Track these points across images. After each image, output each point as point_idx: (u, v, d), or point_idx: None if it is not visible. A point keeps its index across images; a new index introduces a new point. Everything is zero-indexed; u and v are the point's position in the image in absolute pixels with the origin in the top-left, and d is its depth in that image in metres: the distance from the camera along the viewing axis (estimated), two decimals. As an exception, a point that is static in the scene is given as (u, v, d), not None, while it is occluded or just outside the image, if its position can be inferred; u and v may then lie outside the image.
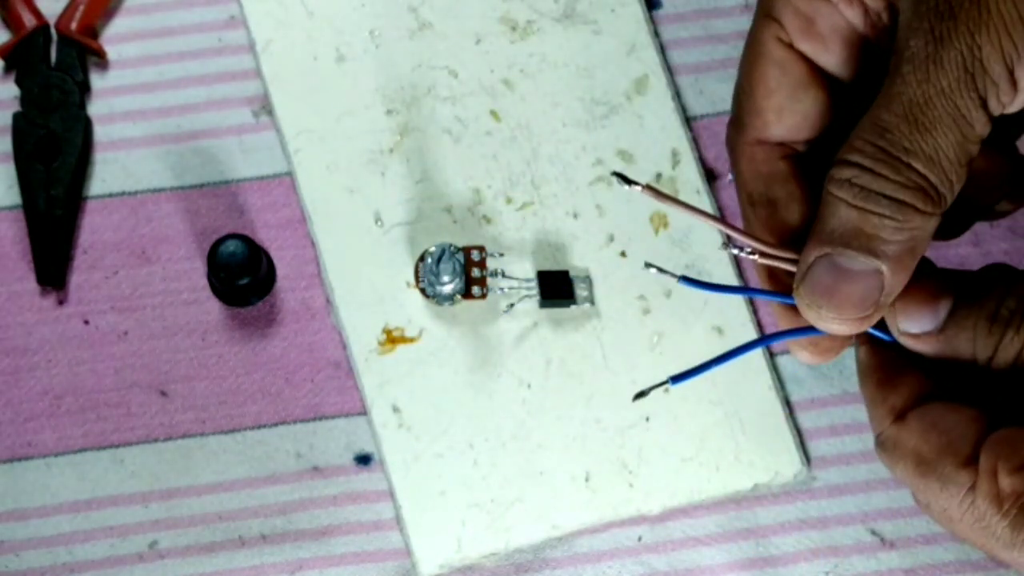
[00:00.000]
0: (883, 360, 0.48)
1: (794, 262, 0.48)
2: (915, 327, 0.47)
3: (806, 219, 0.49)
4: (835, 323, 0.46)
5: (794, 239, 0.49)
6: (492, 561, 0.64)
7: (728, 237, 0.49)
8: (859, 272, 0.45)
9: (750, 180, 0.50)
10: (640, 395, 0.49)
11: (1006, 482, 0.43)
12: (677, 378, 0.48)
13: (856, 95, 0.49)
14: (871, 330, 0.47)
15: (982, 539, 0.45)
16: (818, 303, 0.46)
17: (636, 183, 0.47)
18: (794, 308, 0.48)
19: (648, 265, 0.49)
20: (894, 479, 0.47)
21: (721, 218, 0.47)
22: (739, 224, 0.51)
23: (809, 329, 0.48)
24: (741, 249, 0.48)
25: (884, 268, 0.45)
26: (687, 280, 0.48)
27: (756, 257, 0.48)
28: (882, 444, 0.47)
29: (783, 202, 0.50)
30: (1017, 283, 0.46)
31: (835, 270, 0.45)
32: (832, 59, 0.49)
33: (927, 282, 0.47)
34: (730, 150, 0.51)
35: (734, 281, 0.66)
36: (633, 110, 0.68)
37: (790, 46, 0.49)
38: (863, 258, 0.45)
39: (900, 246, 0.44)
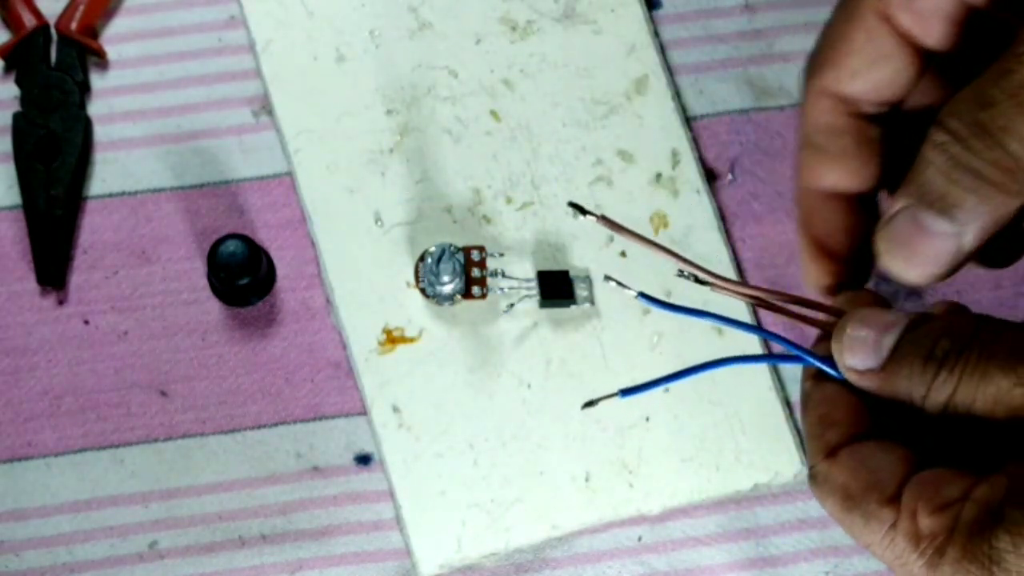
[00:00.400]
0: (826, 395, 0.48)
1: (750, 297, 0.48)
2: (859, 363, 0.47)
3: (850, 178, 0.50)
4: (906, 272, 0.46)
5: (836, 193, 0.50)
6: (492, 561, 0.64)
7: (682, 266, 0.49)
8: (937, 232, 0.45)
9: (811, 124, 0.51)
10: (589, 404, 0.49)
11: (925, 522, 0.43)
12: (627, 391, 0.48)
13: (953, 65, 0.49)
14: (819, 363, 0.48)
15: (902, 575, 0.45)
16: (892, 251, 0.46)
17: (591, 214, 0.48)
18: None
19: (608, 278, 0.49)
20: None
21: (674, 252, 0.48)
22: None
23: (785, 358, 0.48)
24: (696, 279, 0.48)
25: (961, 235, 0.45)
26: (644, 297, 0.48)
27: (709, 288, 0.48)
28: (813, 478, 0.47)
29: (833, 156, 0.50)
30: (956, 323, 0.46)
31: (915, 224, 0.45)
32: (930, 35, 0.49)
33: (873, 318, 0.47)
34: (801, 86, 0.52)
35: (734, 276, 0.66)
36: (633, 110, 0.68)
37: (886, 16, 0.49)
38: (942, 221, 0.45)
39: (980, 219, 0.45)
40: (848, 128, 0.50)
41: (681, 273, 0.48)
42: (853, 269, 0.51)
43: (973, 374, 0.44)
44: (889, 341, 0.46)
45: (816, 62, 0.51)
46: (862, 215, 0.50)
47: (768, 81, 0.69)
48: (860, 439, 0.47)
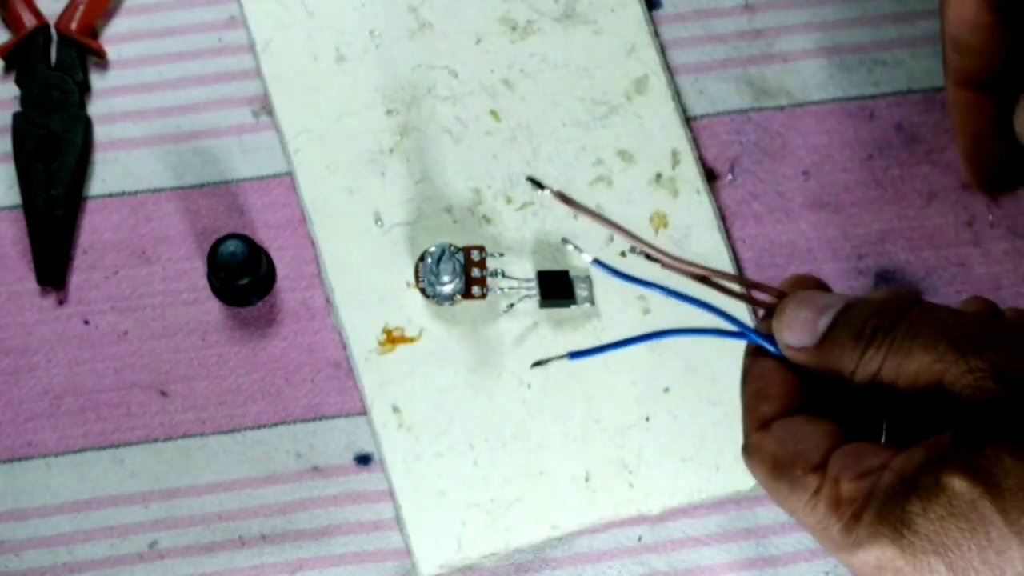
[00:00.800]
0: (764, 371, 0.50)
1: (697, 275, 0.50)
2: (796, 341, 0.49)
3: (998, 69, 0.52)
4: None
5: (988, 85, 0.52)
6: (492, 561, 0.64)
7: (633, 243, 0.51)
8: None
9: (956, 26, 0.53)
10: (538, 363, 0.51)
11: (846, 488, 0.45)
12: (576, 354, 0.50)
13: None
14: (759, 340, 0.50)
15: (822, 541, 0.47)
16: None
17: (547, 188, 0.50)
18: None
19: (565, 241, 0.51)
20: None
21: (625, 229, 0.50)
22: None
23: (728, 333, 0.50)
24: (648, 256, 0.50)
25: None
26: (598, 263, 0.50)
27: (660, 266, 0.50)
28: (746, 448, 0.49)
29: (984, 52, 0.53)
30: (888, 304, 0.48)
31: None
32: None
33: (813, 300, 0.49)
34: None
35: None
36: (633, 110, 0.68)
37: None
38: None
39: None
40: (992, 22, 0.52)
41: (633, 250, 0.50)
42: (1010, 165, 0.53)
43: (898, 351, 0.46)
44: (825, 321, 0.48)
45: None
46: (1010, 108, 0.53)
47: (768, 81, 0.69)
48: (793, 413, 0.49)
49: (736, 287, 0.50)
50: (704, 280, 0.51)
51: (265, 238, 0.67)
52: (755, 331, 0.50)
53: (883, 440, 0.49)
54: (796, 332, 0.48)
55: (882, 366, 0.46)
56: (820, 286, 0.51)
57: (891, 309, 0.47)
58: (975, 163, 0.54)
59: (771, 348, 0.49)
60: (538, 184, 0.50)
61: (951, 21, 0.53)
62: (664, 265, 0.50)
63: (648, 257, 0.50)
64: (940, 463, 0.44)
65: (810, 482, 0.46)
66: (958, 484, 0.43)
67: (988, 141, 0.53)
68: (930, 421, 0.46)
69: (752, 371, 0.50)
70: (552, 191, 0.49)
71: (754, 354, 0.50)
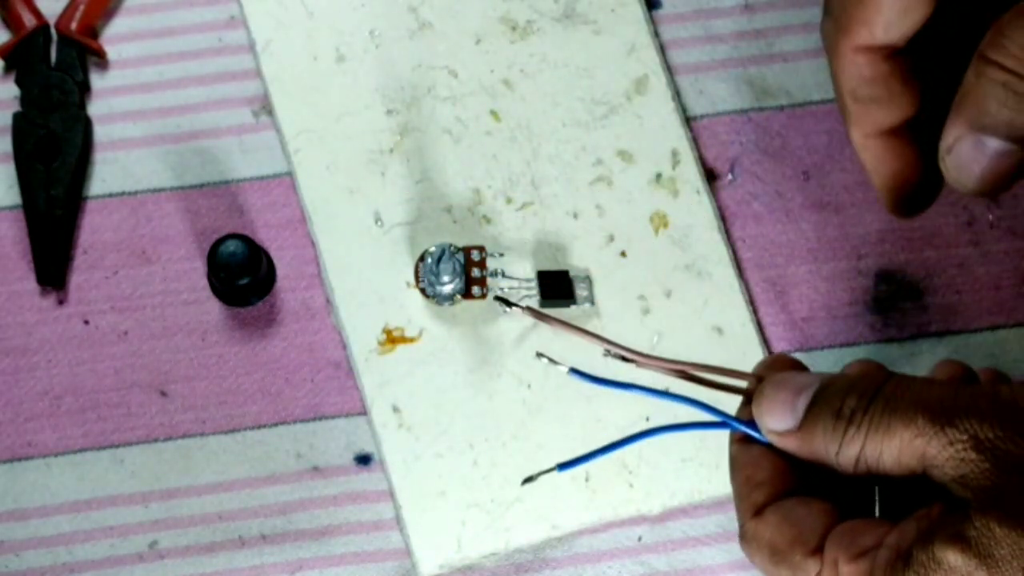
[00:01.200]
0: (751, 458, 0.50)
1: (673, 371, 0.51)
2: (778, 424, 0.49)
3: (910, 115, 0.52)
4: (977, 189, 0.50)
5: (896, 133, 0.53)
6: (492, 561, 0.64)
7: (607, 347, 0.52)
8: (1003, 153, 0.48)
9: (852, 80, 0.53)
10: (528, 480, 0.52)
11: (844, 570, 0.46)
12: (564, 465, 0.51)
13: None
14: (743, 428, 0.50)
15: None
16: (962, 174, 0.49)
17: (515, 304, 0.53)
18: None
19: (539, 355, 0.53)
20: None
21: (601, 336, 0.52)
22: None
23: (712, 424, 0.51)
24: (623, 358, 0.51)
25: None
26: (575, 372, 0.52)
27: (634, 365, 0.51)
28: (743, 536, 0.50)
29: (886, 100, 0.52)
30: (864, 379, 0.48)
31: (980, 149, 0.49)
32: None
33: (789, 382, 0.49)
34: (829, 49, 0.53)
35: (734, 276, 0.66)
36: (633, 110, 0.68)
37: None
38: (1008, 144, 0.48)
39: None
40: (890, 71, 0.52)
41: (607, 353, 0.52)
42: (924, 190, 0.54)
43: (878, 428, 0.46)
44: (803, 402, 0.48)
45: (843, 23, 0.52)
46: (920, 138, 0.53)
47: (768, 81, 0.69)
48: (785, 496, 0.49)
49: (714, 377, 0.51)
50: (681, 375, 0.52)
51: (265, 238, 0.67)
52: (737, 419, 0.50)
53: (877, 512, 0.49)
54: (776, 415, 0.49)
55: (864, 445, 0.46)
56: (795, 366, 0.51)
57: (867, 385, 0.47)
58: (895, 196, 0.54)
59: (755, 434, 0.50)
60: (506, 302, 0.53)
61: (848, 80, 0.52)
62: (640, 365, 0.51)
63: (623, 359, 0.51)
64: (932, 536, 0.44)
65: (810, 567, 0.47)
66: (952, 557, 0.44)
67: (908, 177, 0.53)
68: (920, 489, 0.46)
69: (739, 459, 0.50)
70: (521, 307, 0.52)
71: (739, 441, 0.51)
